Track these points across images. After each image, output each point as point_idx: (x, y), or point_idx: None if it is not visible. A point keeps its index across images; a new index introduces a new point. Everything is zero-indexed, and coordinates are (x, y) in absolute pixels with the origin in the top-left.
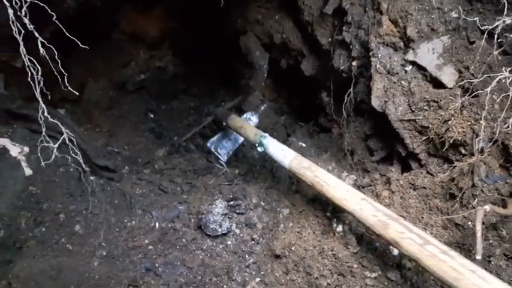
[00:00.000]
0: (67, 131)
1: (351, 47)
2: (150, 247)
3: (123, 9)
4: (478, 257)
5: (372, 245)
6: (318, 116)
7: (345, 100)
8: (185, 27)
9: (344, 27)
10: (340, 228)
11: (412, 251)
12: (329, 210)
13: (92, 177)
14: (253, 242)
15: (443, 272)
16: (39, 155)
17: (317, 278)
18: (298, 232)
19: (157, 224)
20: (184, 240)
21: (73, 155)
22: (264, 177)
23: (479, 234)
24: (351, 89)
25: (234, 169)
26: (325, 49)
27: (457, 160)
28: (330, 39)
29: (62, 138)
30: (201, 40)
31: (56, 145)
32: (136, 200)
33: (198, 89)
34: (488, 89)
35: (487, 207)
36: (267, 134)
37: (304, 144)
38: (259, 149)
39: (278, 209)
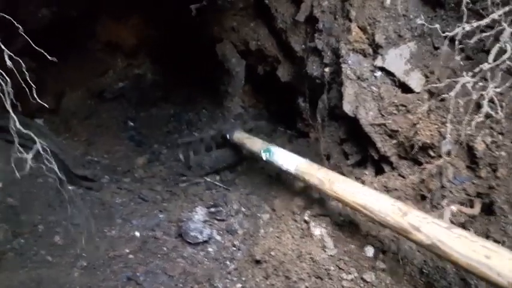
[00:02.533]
0: (40, 141)
1: (323, 53)
2: (130, 256)
3: (100, 19)
4: None
5: (348, 247)
6: (296, 121)
7: (319, 106)
8: (163, 35)
9: (316, 35)
10: (318, 231)
11: (438, 233)
12: (307, 215)
13: (70, 187)
14: (234, 248)
15: (473, 251)
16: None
17: (296, 282)
18: (277, 237)
19: (137, 233)
20: (165, 248)
21: (50, 165)
22: (245, 183)
23: None
24: (325, 95)
25: (215, 175)
26: (299, 56)
27: (426, 162)
28: (303, 46)
29: (35, 148)
30: (179, 47)
31: (30, 156)
32: (116, 209)
33: (177, 96)
34: (453, 93)
35: (454, 207)
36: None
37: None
38: (264, 155)
39: (258, 215)
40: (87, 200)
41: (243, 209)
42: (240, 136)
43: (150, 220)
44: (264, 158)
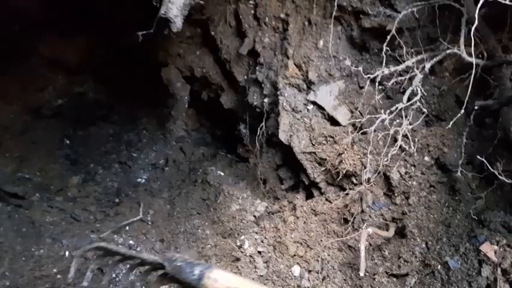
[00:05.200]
0: None
1: (263, 85)
2: (58, 276)
3: (43, 34)
4: (361, 274)
5: (277, 267)
6: (237, 146)
7: (258, 133)
8: (108, 55)
9: (257, 67)
10: (249, 252)
11: None
12: (241, 237)
13: None
14: None
15: None
16: None
17: None
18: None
19: (67, 253)
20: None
21: None
22: None
23: (362, 253)
24: (263, 123)
25: None
26: (242, 85)
27: (350, 189)
28: (245, 77)
29: None
30: (124, 68)
31: None
32: (45, 228)
33: (119, 116)
34: (373, 128)
35: (370, 229)
36: None
37: (222, 173)
38: None
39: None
40: (15, 218)
41: None
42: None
43: (81, 240)
44: None
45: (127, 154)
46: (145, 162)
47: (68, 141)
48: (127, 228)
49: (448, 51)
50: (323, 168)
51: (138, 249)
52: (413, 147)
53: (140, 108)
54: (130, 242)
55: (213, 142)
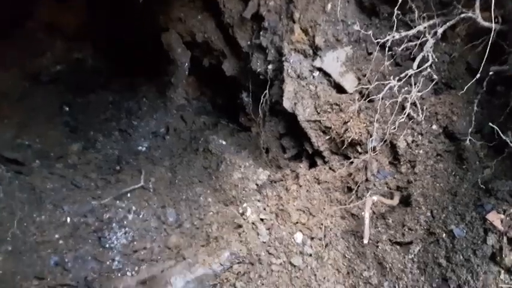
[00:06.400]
0: None
1: (267, 51)
2: (60, 242)
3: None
4: (365, 241)
5: (279, 234)
6: (239, 115)
7: (261, 101)
8: (107, 21)
9: (261, 32)
10: (252, 219)
11: None
12: (244, 205)
13: None
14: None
15: None
16: None
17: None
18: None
19: (68, 219)
20: (96, 234)
21: None
22: None
23: (367, 221)
24: (267, 91)
25: None
26: (245, 51)
27: (354, 157)
28: (249, 42)
29: None
30: (123, 34)
31: None
32: (46, 195)
33: (118, 83)
34: (381, 95)
35: (375, 197)
36: None
37: (224, 142)
38: None
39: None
40: (16, 184)
41: None
42: None
43: (82, 206)
44: None
45: (127, 122)
46: (145, 130)
47: (67, 108)
48: (128, 195)
49: (462, 16)
50: (327, 137)
51: (141, 214)
52: (421, 116)
53: (140, 75)
54: (133, 207)
55: (214, 111)
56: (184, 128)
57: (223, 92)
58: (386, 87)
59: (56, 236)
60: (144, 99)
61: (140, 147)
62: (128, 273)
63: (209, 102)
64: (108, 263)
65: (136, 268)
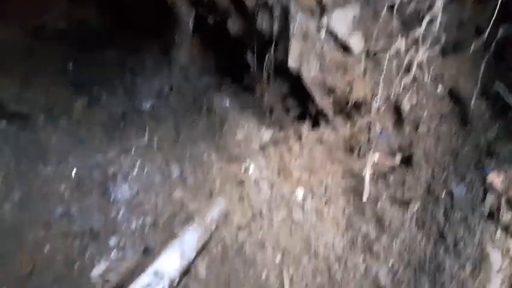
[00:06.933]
0: None
1: (273, 9)
2: (66, 193)
3: None
4: (365, 199)
5: (281, 191)
6: (243, 76)
7: (266, 61)
8: None
9: None
10: (254, 176)
11: None
12: (246, 162)
13: (2, 124)
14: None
15: None
16: None
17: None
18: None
19: (73, 172)
20: (101, 187)
21: None
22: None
23: (367, 179)
24: (271, 51)
25: None
26: (250, 10)
27: (358, 118)
28: (255, 1)
29: None
30: None
31: None
32: (52, 149)
33: (122, 42)
34: (387, 56)
35: (376, 156)
36: None
37: (228, 102)
38: None
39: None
40: (21, 138)
41: None
42: None
43: (88, 160)
44: None
45: (131, 80)
46: (149, 89)
47: (71, 65)
48: (133, 151)
49: None
50: (332, 97)
51: (145, 169)
52: (427, 77)
53: (143, 34)
54: (137, 163)
55: (218, 71)
56: (188, 88)
57: (227, 53)
58: (393, 48)
59: (62, 188)
60: (147, 58)
61: (144, 106)
62: (133, 226)
63: (213, 62)
64: (112, 215)
65: (140, 221)
